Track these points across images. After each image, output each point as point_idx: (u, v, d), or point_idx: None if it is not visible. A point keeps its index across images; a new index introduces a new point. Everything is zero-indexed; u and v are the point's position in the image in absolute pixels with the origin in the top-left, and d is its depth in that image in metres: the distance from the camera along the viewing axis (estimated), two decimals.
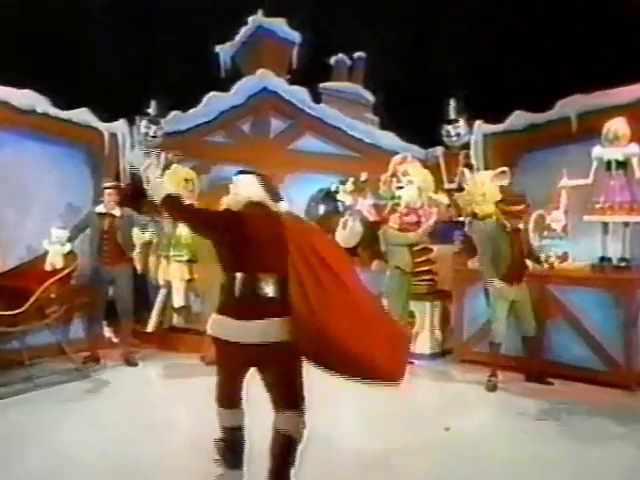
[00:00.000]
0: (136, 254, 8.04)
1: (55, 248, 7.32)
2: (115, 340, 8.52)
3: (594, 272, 7.14)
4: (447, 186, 9.85)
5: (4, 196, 7.51)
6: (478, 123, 9.75)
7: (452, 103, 9.84)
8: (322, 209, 10.78)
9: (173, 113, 10.39)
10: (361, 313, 3.76)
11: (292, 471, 3.85)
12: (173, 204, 4.23)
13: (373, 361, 3.69)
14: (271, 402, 3.89)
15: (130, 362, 7.78)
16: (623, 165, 7.12)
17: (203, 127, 10.71)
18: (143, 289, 8.82)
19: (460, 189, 8.49)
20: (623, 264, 7.10)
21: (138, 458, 4.64)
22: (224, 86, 11.15)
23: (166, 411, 5.77)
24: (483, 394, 6.58)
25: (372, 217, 8.65)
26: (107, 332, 8.56)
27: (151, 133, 9.57)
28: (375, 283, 8.39)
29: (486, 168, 8.97)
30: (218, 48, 12.60)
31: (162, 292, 8.64)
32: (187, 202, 5.14)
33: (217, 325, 3.89)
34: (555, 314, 7.13)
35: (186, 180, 8.64)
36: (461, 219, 8.57)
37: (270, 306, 3.73)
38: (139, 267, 8.14)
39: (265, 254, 3.80)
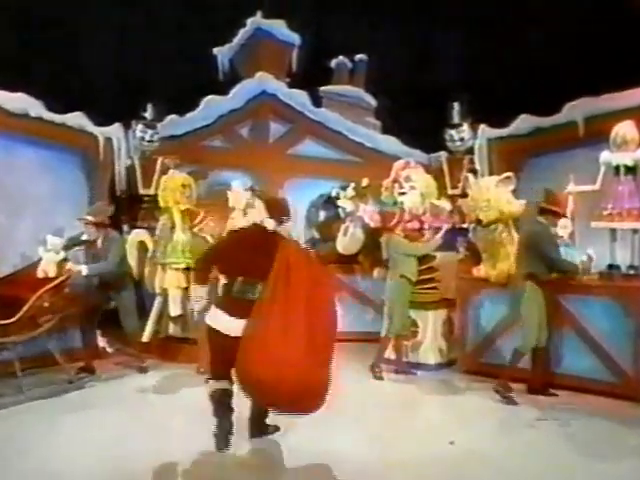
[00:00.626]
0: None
1: (49, 256, 7.30)
2: (109, 350, 8.48)
3: (602, 280, 7.07)
4: (450, 192, 9.83)
5: None
6: (482, 127, 9.74)
7: (456, 107, 9.84)
8: (322, 215, 10.78)
9: (170, 117, 10.39)
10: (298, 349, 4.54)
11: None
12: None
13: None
14: None
15: (141, 370, 7.88)
16: (632, 170, 7.05)
17: (201, 131, 10.71)
18: (139, 297, 8.78)
19: (464, 195, 8.45)
20: (632, 272, 7.03)
21: (133, 474, 4.58)
22: (222, 89, 11.16)
23: (162, 424, 5.71)
24: (489, 406, 6.50)
25: (374, 224, 8.61)
26: (101, 342, 8.51)
27: (147, 137, 9.57)
28: (376, 291, 8.39)
29: (490, 173, 8.96)
30: (216, 50, 12.61)
31: (158, 300, 8.59)
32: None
33: (214, 317, 4.92)
34: (562, 323, 7.05)
35: (183, 186, 8.60)
36: (465, 226, 8.53)
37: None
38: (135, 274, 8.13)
39: (255, 265, 4.80)
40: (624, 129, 7.10)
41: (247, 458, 4.97)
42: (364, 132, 11.83)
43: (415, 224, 8.09)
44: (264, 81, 11.10)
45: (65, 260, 7.39)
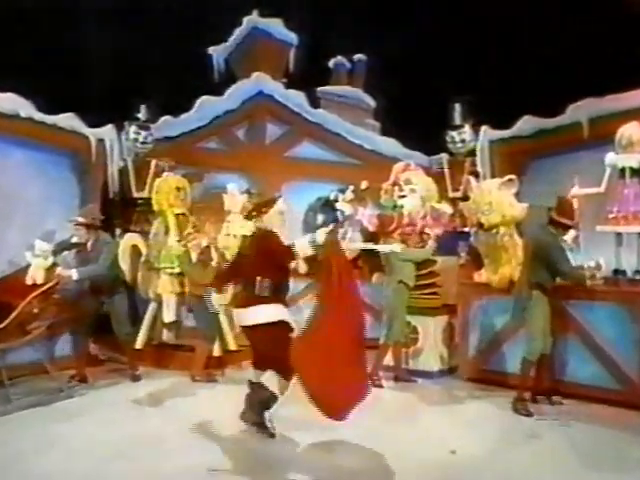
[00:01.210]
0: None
1: (38, 261, 7.24)
2: (102, 357, 8.43)
3: (607, 285, 7.01)
4: (451, 195, 9.81)
5: None
6: (484, 129, 9.72)
7: (457, 108, 9.81)
8: (320, 219, 10.68)
9: (164, 118, 10.37)
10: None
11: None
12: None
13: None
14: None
15: (134, 378, 7.80)
16: (638, 172, 7.03)
17: (196, 133, 10.69)
18: (132, 303, 8.74)
19: (465, 198, 8.43)
20: (638, 277, 7.01)
21: None
22: (217, 90, 11.14)
23: (155, 434, 5.66)
24: (491, 414, 6.46)
25: (372, 227, 8.56)
26: (93, 349, 8.45)
27: (141, 139, 9.55)
28: (375, 297, 8.34)
29: (493, 176, 8.93)
30: (211, 50, 12.60)
31: (151, 306, 8.56)
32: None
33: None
34: (566, 330, 7.00)
35: (178, 189, 8.60)
36: (466, 230, 8.50)
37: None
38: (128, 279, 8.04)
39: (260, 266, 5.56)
40: (630, 130, 7.07)
41: (243, 468, 4.92)
42: (363, 134, 11.81)
43: (413, 228, 8.04)
44: (261, 81, 11.08)
45: (54, 265, 7.31)
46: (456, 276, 8.45)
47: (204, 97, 10.87)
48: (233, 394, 6.99)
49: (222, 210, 8.72)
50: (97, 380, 7.67)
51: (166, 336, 8.59)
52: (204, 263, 7.95)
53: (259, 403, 5.52)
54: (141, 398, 6.95)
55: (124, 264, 8.08)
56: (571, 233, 7.27)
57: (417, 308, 8.02)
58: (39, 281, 7.11)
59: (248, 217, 6.52)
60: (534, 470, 4.93)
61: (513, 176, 7.57)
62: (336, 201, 9.62)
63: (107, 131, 9.29)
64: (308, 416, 5.22)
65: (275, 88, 11.21)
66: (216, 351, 8.15)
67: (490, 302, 7.75)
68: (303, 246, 5.56)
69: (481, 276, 7.71)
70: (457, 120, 9.81)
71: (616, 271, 7.11)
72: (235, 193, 8.83)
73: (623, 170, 7.08)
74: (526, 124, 9.17)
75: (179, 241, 8.27)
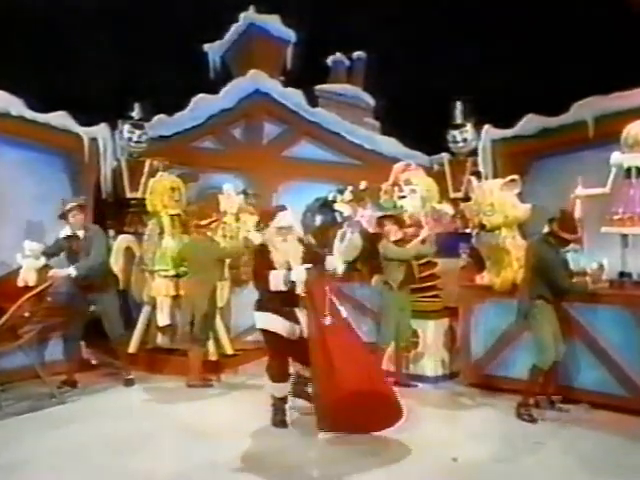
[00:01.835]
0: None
1: (28, 262, 7.17)
2: (94, 362, 8.40)
3: (613, 288, 6.99)
4: (453, 195, 9.79)
5: None
6: (486, 128, 9.70)
7: (458, 106, 9.80)
8: (319, 220, 10.68)
9: (158, 117, 10.36)
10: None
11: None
12: None
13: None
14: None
15: (128, 383, 7.72)
16: None
17: (191, 132, 10.68)
18: (125, 306, 8.72)
19: (467, 199, 8.41)
20: None
21: None
22: (213, 88, 11.13)
23: (148, 442, 5.64)
24: (493, 421, 6.43)
25: (372, 229, 8.54)
26: (86, 354, 8.42)
27: (135, 138, 9.54)
28: (374, 299, 8.31)
29: (495, 176, 8.92)
30: (207, 47, 12.58)
31: (145, 309, 8.54)
32: None
33: None
34: (570, 334, 6.96)
35: (172, 189, 8.58)
36: (468, 231, 8.48)
37: None
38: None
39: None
40: (636, 129, 7.04)
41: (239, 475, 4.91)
42: (363, 133, 11.82)
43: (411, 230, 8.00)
44: (257, 79, 11.07)
45: (46, 267, 7.26)
46: (457, 278, 8.42)
47: (199, 95, 10.86)
48: (228, 399, 7.02)
49: (218, 211, 8.68)
50: (89, 385, 7.63)
51: (160, 340, 8.57)
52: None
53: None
54: (134, 404, 6.93)
55: (117, 266, 8.07)
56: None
57: (418, 311, 7.99)
58: (31, 283, 7.04)
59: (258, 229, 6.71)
60: (538, 478, 4.91)
61: (516, 176, 7.54)
62: (334, 202, 9.61)
63: (100, 130, 9.28)
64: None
65: (272, 86, 11.21)
66: (212, 355, 8.13)
67: (492, 305, 7.71)
68: (277, 280, 5.76)
69: (483, 278, 7.68)
70: (458, 119, 9.81)
71: (621, 274, 7.08)
72: (231, 194, 8.81)
73: (629, 170, 7.04)
74: (529, 123, 9.16)
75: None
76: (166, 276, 8.34)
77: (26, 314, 6.73)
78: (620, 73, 8.12)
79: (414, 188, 8.16)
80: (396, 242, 7.65)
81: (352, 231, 8.81)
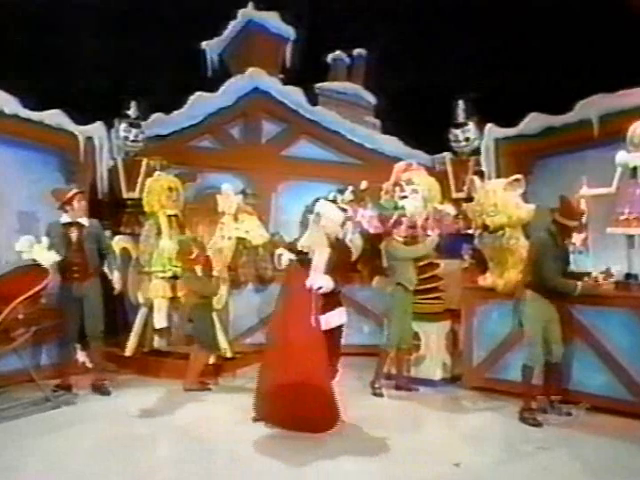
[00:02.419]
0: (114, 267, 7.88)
1: (37, 249, 7.03)
2: (90, 365, 8.37)
3: (618, 290, 6.96)
4: (455, 195, 9.77)
5: None
6: (489, 127, 9.70)
7: (461, 105, 9.78)
8: None
9: (155, 115, 10.34)
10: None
11: None
12: None
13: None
14: None
15: (101, 391, 7.50)
16: None
17: (188, 131, 10.66)
18: (121, 308, 8.70)
19: (469, 199, 8.38)
20: None
21: None
22: (211, 86, 11.10)
23: (144, 446, 5.62)
24: (496, 425, 6.42)
25: (373, 229, 8.52)
26: (81, 357, 8.38)
27: (131, 137, 9.51)
28: (375, 301, 8.30)
29: (498, 176, 8.90)
30: (204, 44, 12.54)
31: (142, 311, 8.53)
32: None
33: None
34: (574, 337, 6.97)
35: (170, 189, 8.58)
36: (470, 231, 8.45)
37: None
38: (117, 285, 7.86)
39: None
40: None
41: None
42: (363, 132, 11.80)
43: (417, 230, 8.00)
44: (256, 77, 11.06)
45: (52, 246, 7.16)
46: (460, 280, 8.41)
47: (197, 94, 10.84)
48: (226, 404, 7.00)
49: (216, 211, 8.67)
50: (84, 389, 7.58)
51: (157, 343, 8.56)
52: (209, 275, 7.90)
53: None
54: (130, 407, 6.91)
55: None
56: (580, 235, 7.23)
57: (419, 313, 7.97)
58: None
59: None
60: None
61: (519, 176, 7.51)
62: (335, 202, 9.58)
63: (96, 129, 9.28)
64: None
65: (271, 84, 11.19)
66: (211, 359, 8.11)
67: (495, 307, 7.69)
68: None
69: (486, 280, 7.66)
70: (461, 118, 9.78)
71: (627, 275, 7.04)
72: (230, 193, 8.78)
73: (635, 169, 7.01)
74: (533, 122, 9.16)
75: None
76: (163, 277, 8.32)
77: (20, 316, 6.68)
78: (625, 71, 8.12)
79: (416, 188, 8.13)
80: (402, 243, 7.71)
81: (352, 232, 8.79)
